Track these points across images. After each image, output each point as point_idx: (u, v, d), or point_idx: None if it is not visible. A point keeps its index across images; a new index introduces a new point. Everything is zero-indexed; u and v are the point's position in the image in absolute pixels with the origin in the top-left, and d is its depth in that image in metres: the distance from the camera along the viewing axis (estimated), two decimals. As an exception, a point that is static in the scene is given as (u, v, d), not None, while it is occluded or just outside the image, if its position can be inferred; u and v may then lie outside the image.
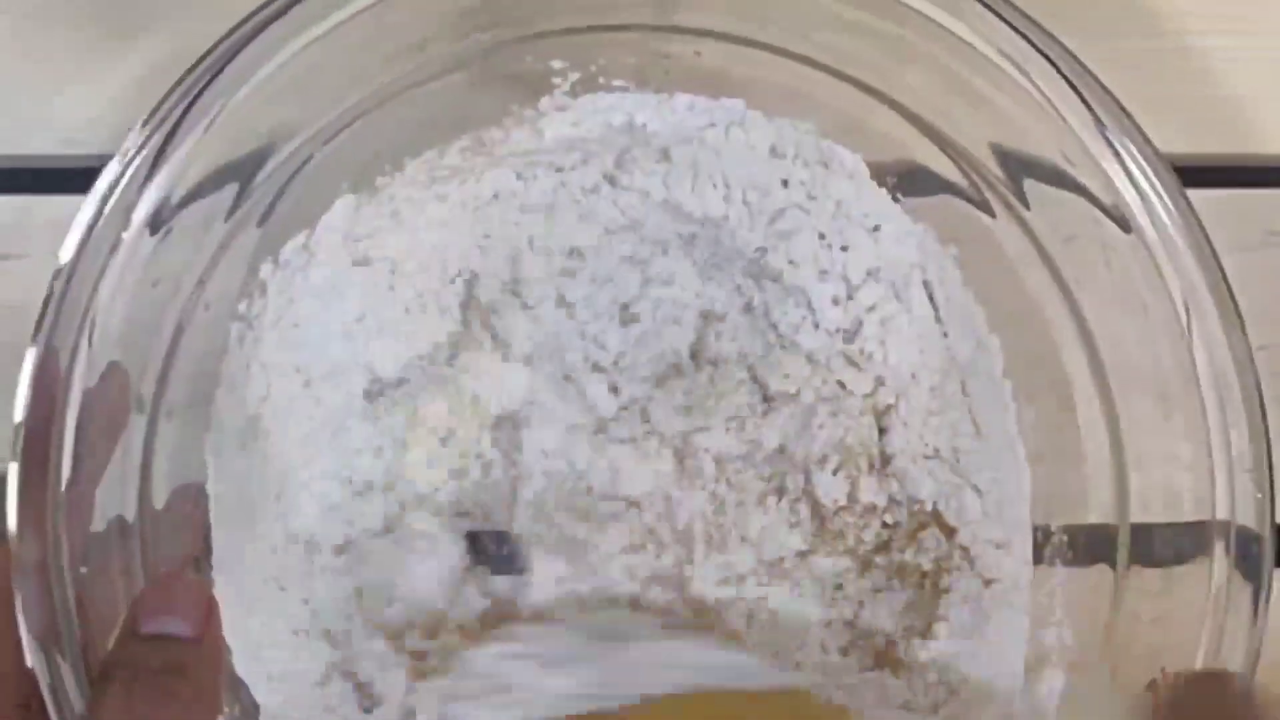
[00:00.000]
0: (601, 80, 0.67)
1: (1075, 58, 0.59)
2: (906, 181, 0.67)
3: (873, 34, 0.62)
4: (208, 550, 0.64)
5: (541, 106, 0.67)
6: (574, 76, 0.66)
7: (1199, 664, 0.58)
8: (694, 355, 0.71)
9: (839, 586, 0.69)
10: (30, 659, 0.52)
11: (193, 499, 0.63)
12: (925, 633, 0.68)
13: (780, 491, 0.70)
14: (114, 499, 0.58)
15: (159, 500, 0.62)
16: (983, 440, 0.69)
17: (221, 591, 0.65)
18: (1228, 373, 0.58)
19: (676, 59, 0.66)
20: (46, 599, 0.53)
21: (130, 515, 0.59)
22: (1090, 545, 0.65)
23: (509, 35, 0.65)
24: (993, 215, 0.65)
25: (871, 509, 0.70)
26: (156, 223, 0.56)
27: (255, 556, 0.67)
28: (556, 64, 0.66)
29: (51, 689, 0.52)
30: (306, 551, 0.67)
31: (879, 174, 0.68)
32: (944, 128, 0.64)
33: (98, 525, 0.57)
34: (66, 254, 0.55)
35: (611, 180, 0.69)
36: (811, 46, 0.64)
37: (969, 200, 0.65)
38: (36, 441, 0.53)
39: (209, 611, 0.55)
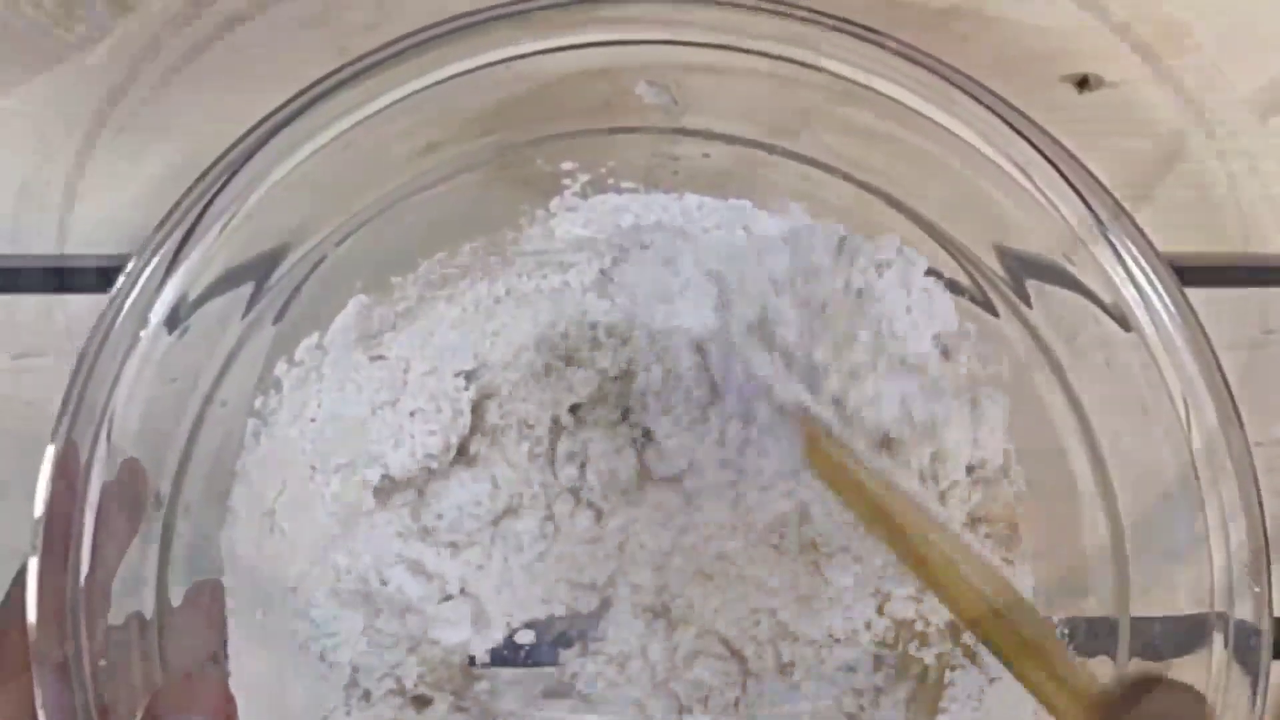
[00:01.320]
0: (611, 181, 0.67)
1: (1076, 158, 0.59)
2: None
3: (877, 137, 0.62)
4: (224, 644, 0.63)
5: (552, 207, 0.67)
6: (584, 178, 0.67)
7: None
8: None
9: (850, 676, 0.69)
10: None
11: (209, 594, 0.62)
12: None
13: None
14: (132, 595, 0.58)
15: (176, 597, 0.61)
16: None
17: (239, 683, 0.64)
18: (1226, 469, 0.58)
19: (685, 160, 0.66)
20: (66, 692, 0.52)
21: (148, 612, 0.58)
22: (1091, 637, 0.65)
23: (519, 138, 0.65)
24: (996, 315, 0.64)
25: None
26: (174, 321, 0.57)
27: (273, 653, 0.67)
28: (566, 165, 0.66)
29: None
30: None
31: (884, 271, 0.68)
32: (947, 228, 0.64)
33: (116, 619, 0.56)
34: (85, 352, 0.55)
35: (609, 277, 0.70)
36: (819, 149, 0.64)
37: (973, 300, 0.65)
38: (56, 535, 0.53)
39: (227, 707, 0.55)
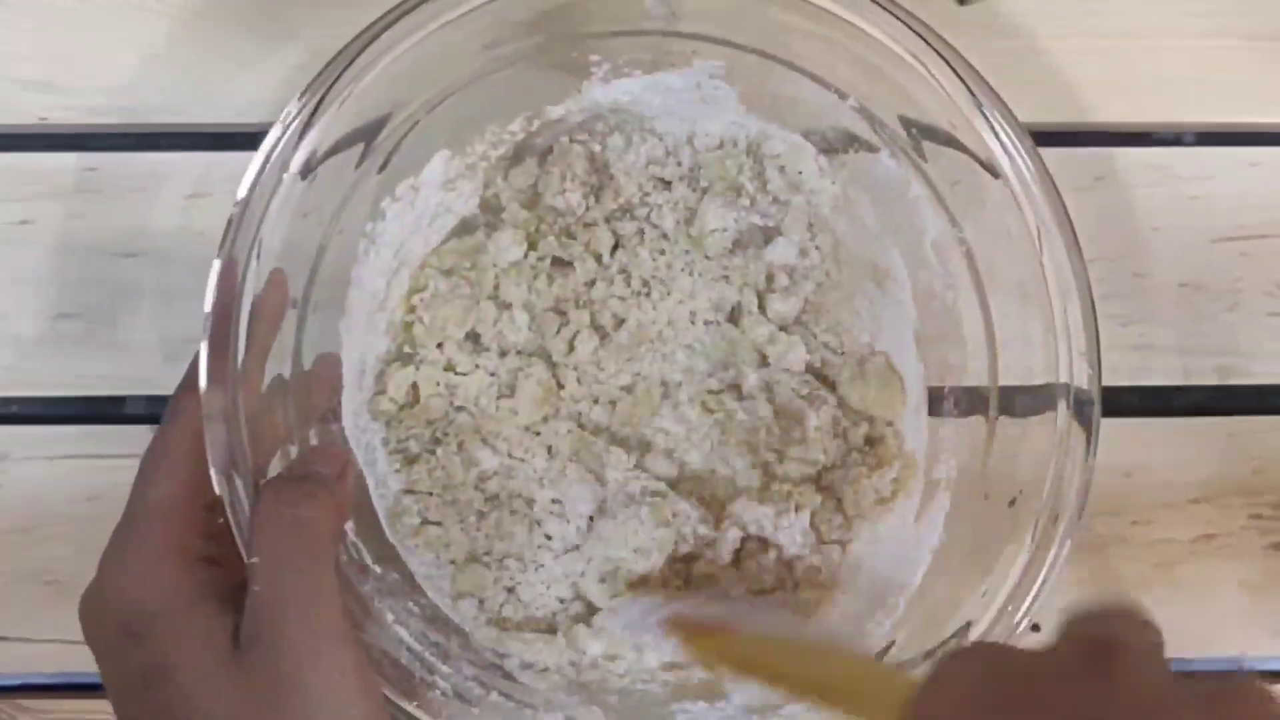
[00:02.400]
0: (625, 70, 0.72)
1: (959, 53, 0.65)
2: (838, 141, 0.72)
3: (817, 38, 0.66)
4: (340, 400, 0.70)
5: (583, 88, 0.73)
6: (606, 66, 0.72)
7: (1046, 489, 0.64)
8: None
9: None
10: (215, 479, 0.56)
11: (330, 363, 0.69)
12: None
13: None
14: (275, 365, 0.63)
15: (308, 364, 0.67)
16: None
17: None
18: (1068, 279, 0.64)
19: (678, 55, 0.70)
20: (226, 437, 0.58)
21: (286, 374, 0.64)
22: (970, 402, 0.70)
23: (558, 37, 0.70)
24: (896, 162, 0.70)
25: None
26: (306, 171, 0.62)
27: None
28: (594, 58, 0.71)
29: (230, 503, 0.57)
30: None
31: (819, 136, 0.73)
32: (866, 104, 0.69)
33: (263, 386, 0.62)
34: (241, 193, 0.60)
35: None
36: (774, 47, 0.69)
37: (873, 153, 0.71)
38: (220, 326, 0.58)
39: (345, 462, 0.60)
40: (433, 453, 0.72)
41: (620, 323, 0.74)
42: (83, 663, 0.57)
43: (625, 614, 0.70)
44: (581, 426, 0.73)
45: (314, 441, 0.68)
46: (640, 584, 0.70)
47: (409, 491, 0.72)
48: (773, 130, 0.74)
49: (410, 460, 0.72)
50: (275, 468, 0.62)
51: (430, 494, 0.72)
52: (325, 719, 0.53)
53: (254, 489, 0.59)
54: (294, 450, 0.65)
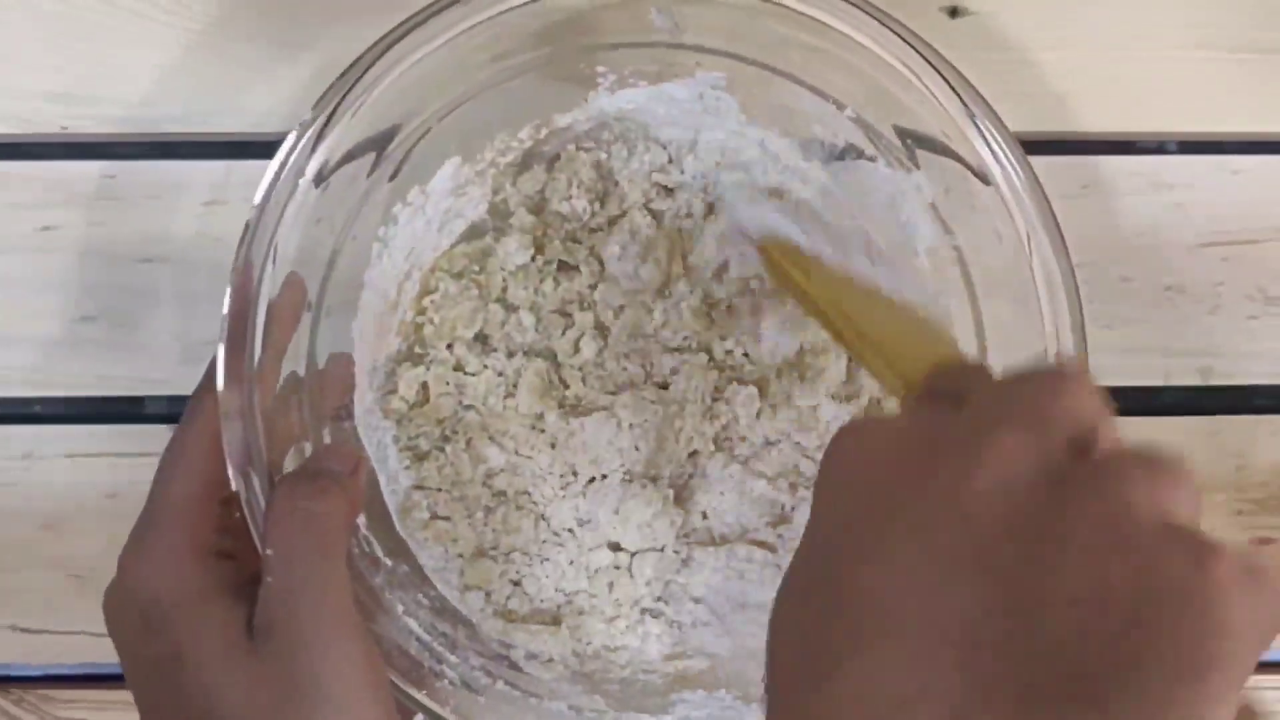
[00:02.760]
0: (630, 80, 0.72)
1: (951, 64, 0.65)
2: (833, 150, 0.72)
3: (815, 50, 0.66)
4: (351, 398, 0.70)
5: (589, 99, 0.72)
6: (611, 77, 0.71)
7: None
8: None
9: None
10: (232, 475, 0.58)
11: (343, 362, 0.69)
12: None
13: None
14: (289, 365, 0.64)
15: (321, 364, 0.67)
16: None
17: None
18: (1056, 282, 0.64)
19: (682, 66, 0.71)
20: (243, 434, 0.59)
21: (301, 372, 0.65)
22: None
23: (565, 49, 0.69)
24: (891, 169, 0.70)
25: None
26: (319, 179, 0.63)
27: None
28: (600, 69, 0.71)
29: (246, 498, 0.58)
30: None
31: (818, 145, 0.73)
32: (863, 114, 0.69)
33: (281, 382, 0.63)
34: (257, 200, 0.61)
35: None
36: (774, 59, 0.69)
37: (872, 160, 0.71)
38: (237, 328, 0.59)
39: (357, 459, 0.61)
40: (442, 450, 0.72)
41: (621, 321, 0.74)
42: (106, 654, 0.57)
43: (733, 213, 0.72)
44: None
45: (327, 439, 0.68)
46: None
47: (419, 487, 0.72)
48: (772, 139, 0.74)
49: (420, 457, 0.72)
50: (290, 464, 0.63)
51: (439, 490, 0.72)
52: (335, 705, 0.54)
53: (269, 485, 0.59)
54: (308, 447, 0.65)
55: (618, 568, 0.73)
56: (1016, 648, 0.38)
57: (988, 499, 0.41)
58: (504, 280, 0.73)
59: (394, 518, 0.72)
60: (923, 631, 0.40)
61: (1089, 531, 0.39)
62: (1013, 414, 0.43)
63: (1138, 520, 0.39)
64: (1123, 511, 0.39)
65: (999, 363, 0.68)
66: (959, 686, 0.38)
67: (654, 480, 0.73)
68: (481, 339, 0.73)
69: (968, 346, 0.69)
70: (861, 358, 0.62)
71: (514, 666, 0.70)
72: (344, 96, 0.63)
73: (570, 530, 0.73)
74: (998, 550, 0.40)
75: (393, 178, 0.69)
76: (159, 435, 0.63)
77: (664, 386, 0.74)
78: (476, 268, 0.73)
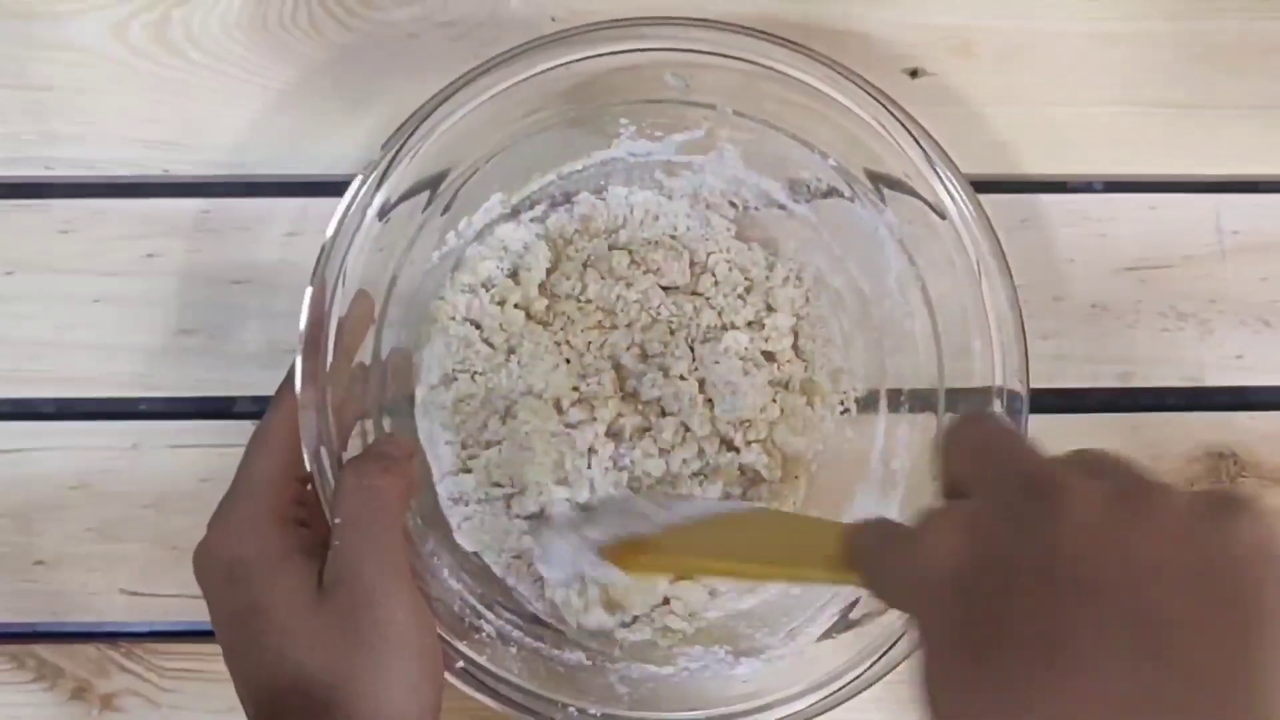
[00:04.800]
0: (647, 131, 0.72)
1: (913, 117, 0.65)
2: (816, 191, 0.72)
3: (803, 108, 0.67)
4: (410, 397, 0.71)
5: (611, 146, 0.73)
6: (632, 128, 0.71)
7: None
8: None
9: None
10: (307, 457, 0.59)
11: (404, 357, 0.70)
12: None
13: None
14: (359, 358, 0.64)
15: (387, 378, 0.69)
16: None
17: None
18: (1001, 301, 0.64)
19: (691, 120, 0.71)
20: (317, 424, 0.60)
21: (367, 361, 0.66)
22: (921, 402, 0.70)
23: (591, 106, 0.70)
24: (864, 208, 0.70)
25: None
26: (382, 213, 0.63)
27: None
28: (622, 122, 0.71)
29: (318, 476, 0.59)
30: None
31: (805, 187, 0.73)
32: (842, 162, 0.69)
33: (349, 382, 0.63)
34: (330, 232, 0.61)
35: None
36: (769, 115, 0.69)
37: (850, 201, 0.70)
38: (313, 335, 0.60)
39: (412, 446, 0.62)
40: (486, 446, 0.72)
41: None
42: (200, 613, 0.58)
43: (555, 557, 0.68)
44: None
45: (388, 428, 0.68)
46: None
47: (464, 470, 0.72)
48: (766, 182, 0.74)
49: (465, 450, 0.72)
50: (354, 448, 0.63)
51: (481, 479, 0.72)
52: (390, 646, 0.55)
53: (338, 465, 0.60)
54: (370, 431, 0.66)
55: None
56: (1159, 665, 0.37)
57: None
58: (534, 295, 0.73)
59: (441, 503, 0.72)
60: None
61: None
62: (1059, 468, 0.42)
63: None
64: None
65: (955, 371, 0.68)
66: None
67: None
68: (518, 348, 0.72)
69: (929, 362, 0.69)
70: (770, 576, 0.60)
71: (540, 622, 0.70)
72: (403, 145, 0.64)
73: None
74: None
75: (444, 212, 0.69)
76: (245, 429, 0.63)
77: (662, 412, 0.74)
78: (514, 283, 0.74)
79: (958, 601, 0.41)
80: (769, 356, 0.74)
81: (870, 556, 0.47)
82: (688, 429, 0.72)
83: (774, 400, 0.73)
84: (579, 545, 0.65)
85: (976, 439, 0.45)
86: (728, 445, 0.73)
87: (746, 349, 0.73)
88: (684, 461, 0.72)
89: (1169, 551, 0.38)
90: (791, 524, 0.60)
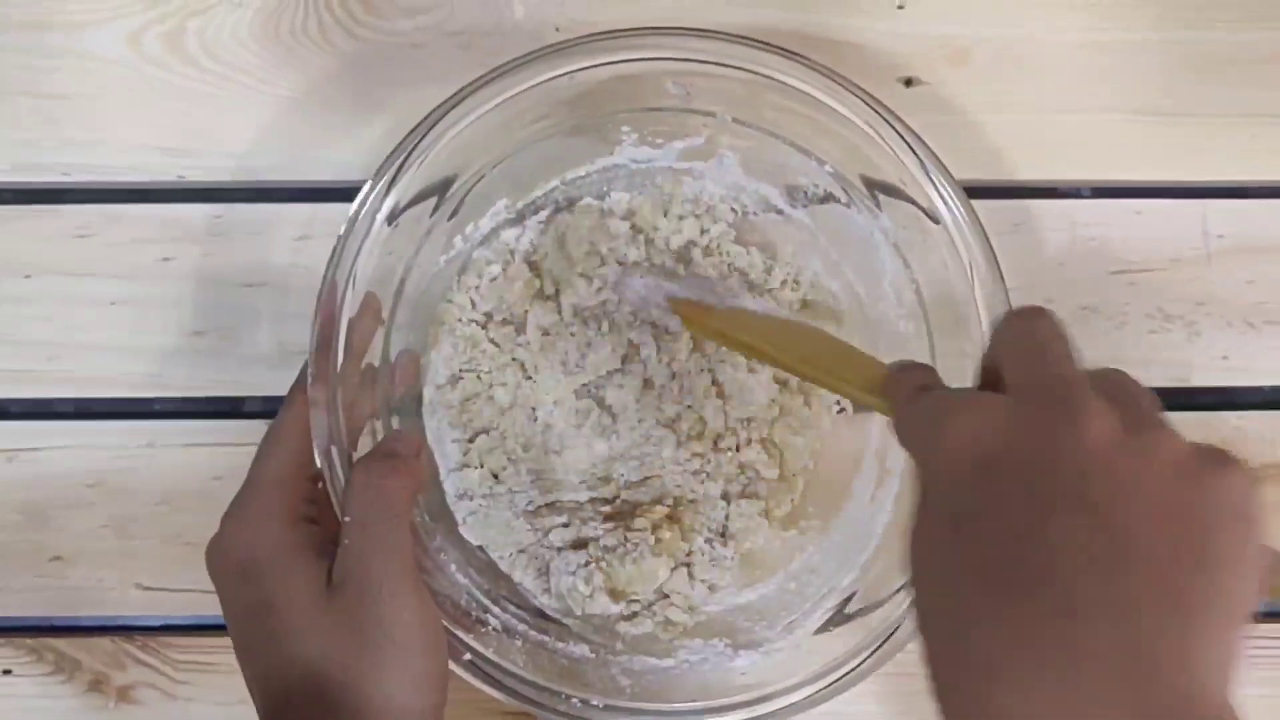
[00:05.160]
0: (649, 139, 0.72)
1: (909, 126, 0.65)
2: (813, 196, 0.72)
3: (801, 116, 0.67)
4: (421, 390, 0.71)
5: (614, 152, 0.73)
6: (634, 135, 0.71)
7: None
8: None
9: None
10: (318, 455, 0.59)
11: (409, 358, 0.70)
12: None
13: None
14: (368, 358, 0.65)
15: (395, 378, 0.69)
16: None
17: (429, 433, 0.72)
18: (994, 304, 0.64)
19: (692, 127, 0.71)
20: (327, 423, 0.60)
21: (376, 362, 0.66)
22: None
23: (594, 113, 0.70)
24: (859, 213, 0.70)
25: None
26: (391, 218, 0.63)
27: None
28: (624, 129, 0.71)
29: (328, 474, 0.59)
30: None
31: (803, 193, 0.73)
32: (838, 168, 0.69)
33: (358, 382, 0.63)
34: (339, 236, 0.62)
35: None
36: (767, 123, 0.69)
37: (846, 206, 0.70)
38: (324, 337, 0.61)
39: (420, 443, 0.62)
40: (488, 434, 0.72)
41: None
42: (212, 608, 0.59)
43: (631, 286, 0.70)
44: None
45: (395, 426, 0.69)
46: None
47: (466, 466, 0.72)
48: (765, 188, 0.74)
49: (471, 446, 0.72)
50: (364, 446, 0.63)
51: (486, 475, 0.72)
52: (397, 643, 0.55)
53: (348, 464, 0.60)
54: (379, 430, 0.66)
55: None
56: (1114, 566, 0.39)
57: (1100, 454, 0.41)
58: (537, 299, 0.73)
59: (448, 498, 0.72)
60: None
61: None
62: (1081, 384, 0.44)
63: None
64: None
65: (948, 372, 0.65)
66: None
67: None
68: (519, 364, 0.73)
69: (923, 359, 0.67)
70: (813, 377, 0.61)
71: (545, 616, 0.70)
72: (411, 151, 0.64)
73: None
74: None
75: (451, 217, 0.69)
76: (257, 429, 0.63)
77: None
78: (519, 288, 0.73)
79: (962, 479, 0.43)
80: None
81: (904, 402, 0.49)
82: (703, 423, 0.72)
83: (773, 400, 0.73)
84: (655, 288, 0.68)
85: (1023, 335, 0.47)
86: (730, 444, 0.73)
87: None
88: (694, 455, 0.72)
89: (1159, 488, 0.41)
90: (843, 346, 0.61)
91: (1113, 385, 0.44)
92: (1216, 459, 0.42)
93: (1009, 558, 0.41)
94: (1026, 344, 0.46)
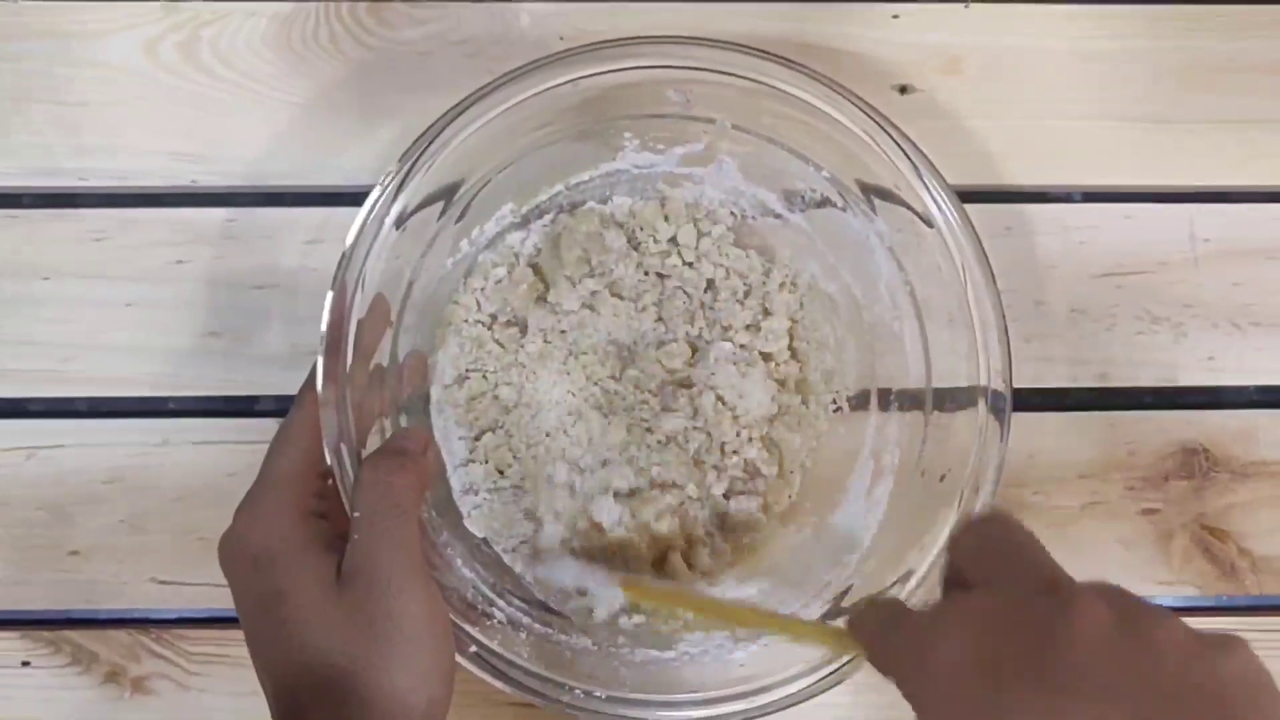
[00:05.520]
0: (650, 144, 0.72)
1: (903, 132, 0.65)
2: (810, 201, 0.72)
3: (798, 122, 0.67)
4: (428, 389, 0.71)
5: (616, 158, 0.73)
6: (636, 141, 0.72)
7: (969, 468, 0.63)
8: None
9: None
10: (328, 453, 0.59)
11: (418, 358, 0.70)
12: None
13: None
14: (377, 358, 0.64)
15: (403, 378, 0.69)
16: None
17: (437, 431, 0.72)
18: (986, 306, 0.64)
19: (692, 134, 0.71)
20: (337, 421, 0.60)
21: (385, 362, 0.66)
22: (910, 401, 0.70)
23: (598, 120, 0.70)
24: (855, 217, 0.70)
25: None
26: (399, 222, 0.63)
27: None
28: (627, 135, 0.71)
29: (338, 471, 0.59)
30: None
31: (800, 198, 0.73)
32: (835, 173, 0.69)
33: (367, 381, 0.63)
34: (349, 240, 0.62)
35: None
36: (765, 129, 0.69)
37: (843, 210, 0.70)
38: (334, 337, 0.61)
39: (427, 440, 0.61)
40: (493, 432, 0.72)
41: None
42: (225, 601, 0.58)
43: (561, 569, 0.70)
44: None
45: (404, 423, 0.69)
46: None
47: (472, 462, 0.72)
48: (763, 193, 0.74)
49: (477, 444, 0.72)
50: (373, 444, 0.63)
51: (491, 471, 0.72)
52: (405, 635, 0.55)
53: (357, 461, 0.60)
54: (388, 428, 0.66)
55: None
56: None
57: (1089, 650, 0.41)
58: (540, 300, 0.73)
59: (454, 494, 0.72)
60: None
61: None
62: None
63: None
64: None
65: (941, 372, 0.68)
66: None
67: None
68: (522, 364, 0.73)
69: (917, 363, 0.70)
70: (789, 631, 0.61)
71: (549, 610, 0.70)
72: (419, 157, 0.64)
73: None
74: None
75: (459, 220, 0.70)
76: (269, 427, 0.63)
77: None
78: (523, 289, 0.73)
79: (965, 693, 0.42)
80: (766, 358, 0.74)
81: (875, 635, 0.49)
82: (708, 431, 0.72)
83: (773, 398, 0.73)
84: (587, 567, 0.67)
85: (993, 536, 0.46)
86: (731, 442, 0.73)
87: (745, 347, 0.73)
88: (694, 453, 0.72)
89: (1168, 671, 0.40)
90: (790, 620, 0.62)
91: (1098, 584, 0.44)
92: (1220, 640, 0.42)
93: None
94: (1003, 546, 0.46)
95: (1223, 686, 0.40)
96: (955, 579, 0.47)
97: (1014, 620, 0.42)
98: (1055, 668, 0.40)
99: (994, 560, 0.45)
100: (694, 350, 0.73)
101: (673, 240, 0.74)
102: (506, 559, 0.71)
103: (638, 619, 0.70)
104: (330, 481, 0.60)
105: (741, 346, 0.73)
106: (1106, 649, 0.40)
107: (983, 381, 0.65)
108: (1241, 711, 0.39)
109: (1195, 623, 0.43)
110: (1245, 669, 0.40)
